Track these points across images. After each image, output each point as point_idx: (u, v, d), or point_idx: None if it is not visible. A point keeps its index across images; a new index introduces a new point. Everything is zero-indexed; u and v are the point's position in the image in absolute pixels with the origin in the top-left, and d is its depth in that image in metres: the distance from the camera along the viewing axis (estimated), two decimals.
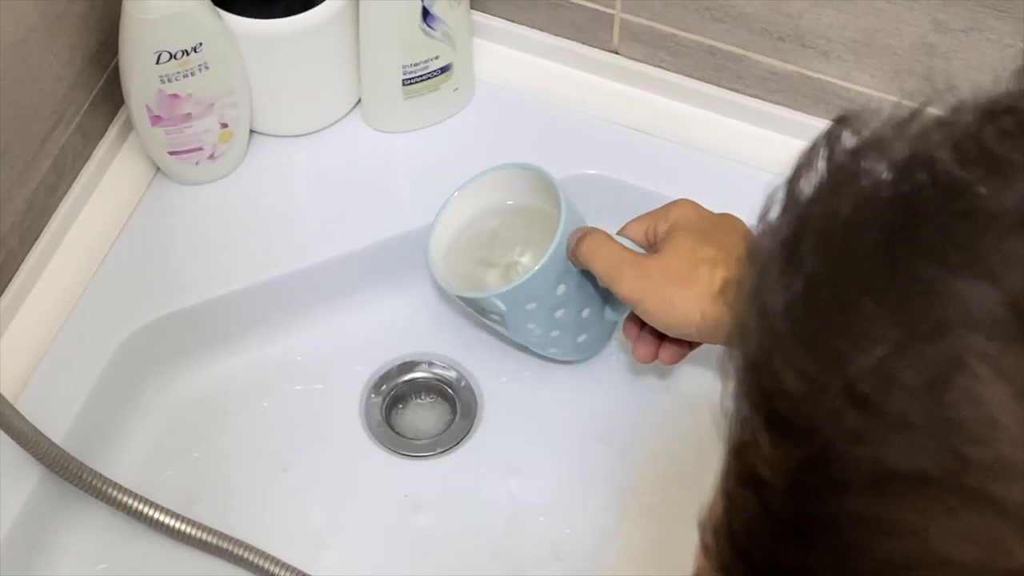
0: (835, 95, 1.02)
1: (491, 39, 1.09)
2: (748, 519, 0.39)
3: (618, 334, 1.00)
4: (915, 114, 0.39)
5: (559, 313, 0.94)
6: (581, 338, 0.97)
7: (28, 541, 0.90)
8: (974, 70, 0.95)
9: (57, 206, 0.99)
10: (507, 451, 0.98)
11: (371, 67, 1.02)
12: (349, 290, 1.02)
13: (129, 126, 1.02)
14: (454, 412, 1.01)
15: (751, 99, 1.05)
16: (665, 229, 0.89)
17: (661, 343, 0.91)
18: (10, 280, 0.96)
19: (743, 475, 0.39)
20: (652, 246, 0.90)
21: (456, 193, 0.98)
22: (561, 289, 0.92)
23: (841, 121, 0.41)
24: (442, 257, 0.97)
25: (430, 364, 1.01)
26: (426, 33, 1.00)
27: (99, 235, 1.00)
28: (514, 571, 0.94)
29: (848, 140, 0.40)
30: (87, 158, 1.01)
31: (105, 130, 1.02)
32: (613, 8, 1.04)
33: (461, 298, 0.96)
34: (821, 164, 0.40)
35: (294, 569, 0.92)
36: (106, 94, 1.01)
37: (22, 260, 0.97)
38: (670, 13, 1.02)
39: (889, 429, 0.35)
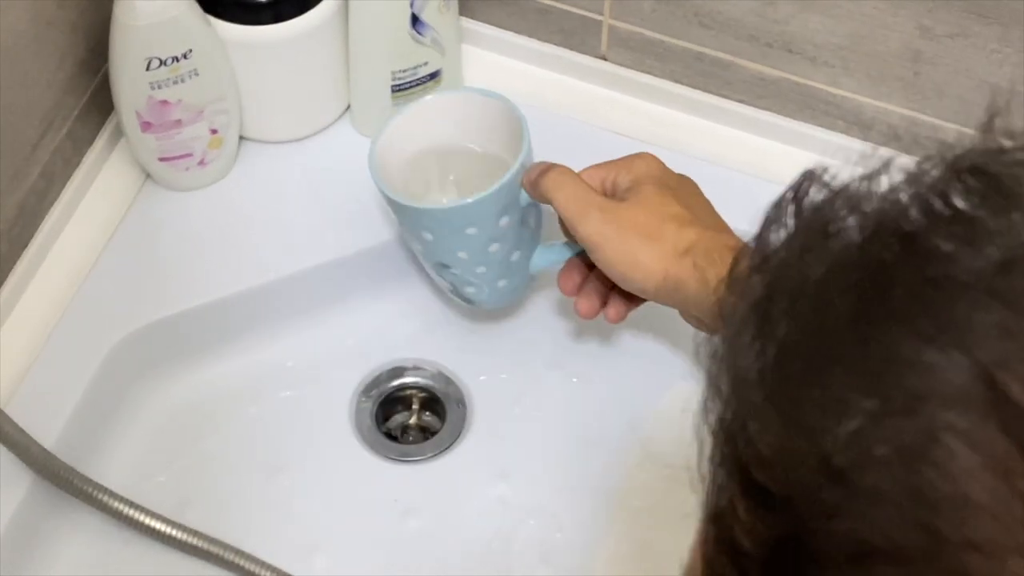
0: (822, 100, 1.02)
1: (480, 45, 1.09)
2: None
3: (599, 325, 0.99)
4: (883, 167, 0.39)
5: (493, 247, 0.90)
6: (501, 283, 0.93)
7: (19, 547, 0.90)
8: (960, 75, 0.96)
9: (47, 212, 0.99)
10: (497, 455, 0.99)
11: (360, 73, 1.03)
12: (339, 295, 1.03)
13: (119, 132, 1.02)
14: (444, 417, 1.01)
15: (738, 104, 1.05)
16: (628, 181, 0.85)
17: (608, 297, 0.88)
18: (0, 286, 0.96)
19: (721, 542, 0.39)
20: (612, 197, 0.86)
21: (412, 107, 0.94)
22: (504, 221, 0.88)
23: (808, 175, 0.40)
24: (382, 165, 0.92)
25: (420, 369, 1.02)
26: (415, 39, 1.00)
27: (89, 241, 1.00)
28: (504, 573, 0.94)
29: (816, 195, 0.40)
30: (77, 164, 1.01)
31: (95, 136, 1.02)
32: (601, 14, 1.04)
33: (400, 205, 0.91)
34: (790, 220, 0.40)
35: (285, 574, 0.92)
36: (96, 100, 1.01)
37: (12, 266, 0.97)
38: (658, 19, 1.03)
39: (864, 504, 0.35)
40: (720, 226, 0.85)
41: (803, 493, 0.36)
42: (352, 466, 0.98)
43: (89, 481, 0.90)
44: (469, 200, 0.88)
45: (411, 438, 1.01)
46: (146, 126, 0.98)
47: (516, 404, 1.00)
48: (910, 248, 0.36)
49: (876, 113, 1.01)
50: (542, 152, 1.04)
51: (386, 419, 1.02)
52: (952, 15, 0.93)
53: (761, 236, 0.40)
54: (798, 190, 0.40)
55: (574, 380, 1.01)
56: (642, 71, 1.07)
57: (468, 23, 1.08)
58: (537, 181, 0.86)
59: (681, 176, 0.88)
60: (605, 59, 1.07)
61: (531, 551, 0.95)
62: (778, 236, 0.40)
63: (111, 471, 0.95)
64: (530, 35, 1.08)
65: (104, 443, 0.96)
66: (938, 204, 0.37)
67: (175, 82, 0.95)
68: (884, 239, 0.37)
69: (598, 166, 0.88)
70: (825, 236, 0.38)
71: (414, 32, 0.99)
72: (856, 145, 1.02)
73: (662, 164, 0.88)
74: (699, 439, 0.40)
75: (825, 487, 0.35)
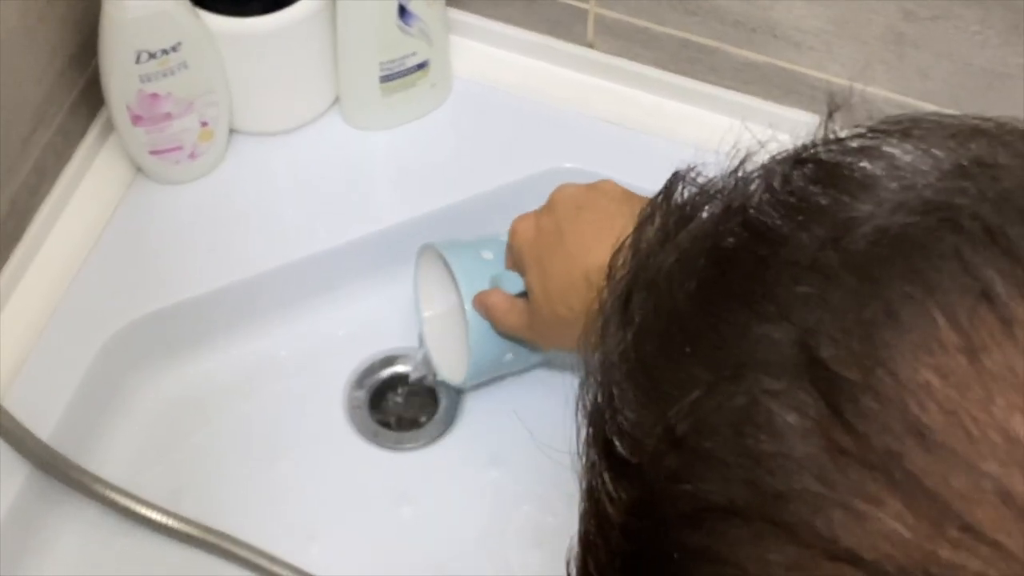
0: (808, 85, 1.03)
1: (467, 35, 1.10)
2: (598, 557, 0.41)
3: None
4: (740, 166, 0.42)
5: (533, 358, 0.96)
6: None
7: (16, 538, 0.91)
8: (944, 58, 0.97)
9: (39, 207, 0.99)
10: (490, 442, 0.99)
11: (349, 64, 1.03)
12: (330, 286, 1.03)
13: (110, 126, 1.02)
14: (437, 404, 1.01)
15: (725, 90, 1.06)
16: (520, 265, 0.90)
17: None
18: None
19: (593, 514, 0.41)
20: None
21: (425, 314, 1.00)
22: (509, 356, 0.95)
23: (676, 175, 0.43)
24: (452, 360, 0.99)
25: (412, 357, 1.02)
26: (403, 30, 1.01)
27: (81, 235, 1.00)
28: (498, 558, 0.95)
29: (681, 194, 0.43)
30: (68, 158, 1.02)
31: (86, 130, 1.03)
32: (587, 3, 1.05)
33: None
34: (657, 218, 0.43)
35: (281, 562, 0.93)
36: (87, 95, 1.01)
37: (5, 261, 0.97)
38: (644, 7, 1.03)
39: (701, 466, 0.37)
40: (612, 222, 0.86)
41: (651, 460, 0.38)
42: (346, 455, 0.99)
43: (85, 472, 0.91)
44: (471, 366, 0.95)
45: (404, 426, 1.02)
46: (136, 119, 0.98)
47: (508, 389, 1.01)
48: (749, 231, 0.39)
49: (861, 96, 1.01)
50: (533, 141, 1.05)
51: (379, 408, 1.02)
52: None
53: (635, 234, 0.43)
54: (668, 189, 0.43)
55: (567, 364, 1.02)
56: (629, 58, 1.07)
57: (455, 13, 1.09)
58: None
59: (548, 215, 0.89)
60: (592, 47, 1.08)
61: (525, 535, 0.96)
62: (648, 234, 0.43)
63: (107, 462, 0.95)
64: (517, 24, 1.09)
65: (100, 435, 0.97)
66: (779, 191, 0.39)
67: (165, 75, 0.96)
68: (728, 225, 0.40)
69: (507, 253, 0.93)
70: (680, 227, 0.41)
71: (401, 23, 1.00)
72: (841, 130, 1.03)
73: (525, 224, 0.90)
74: (577, 424, 0.43)
75: (669, 453, 0.37)
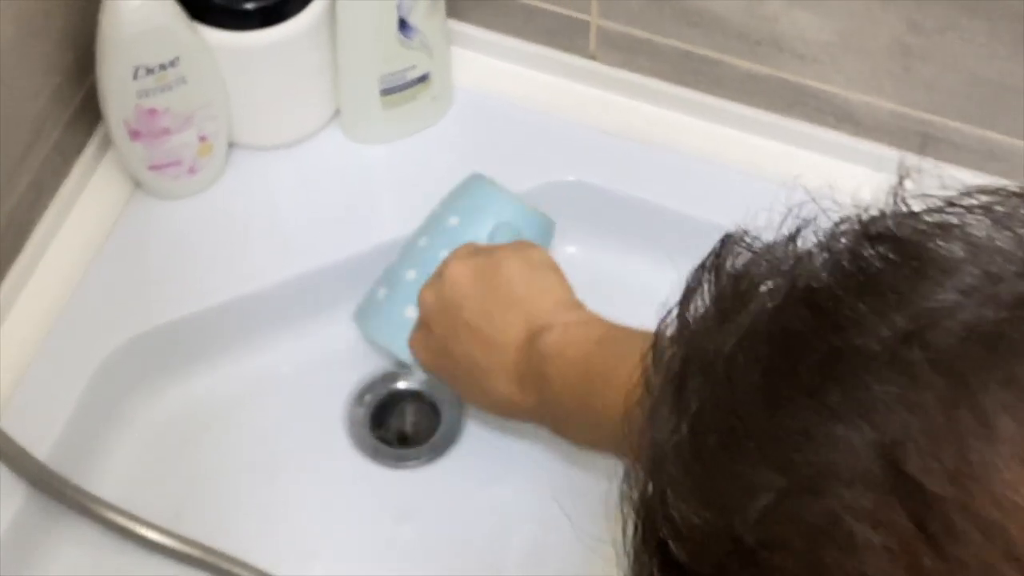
0: (812, 97, 1.02)
1: (468, 47, 1.09)
2: None
3: None
4: (798, 232, 0.38)
5: None
6: None
7: (15, 559, 0.90)
8: (950, 70, 0.96)
9: (37, 223, 0.99)
10: (492, 460, 0.98)
11: (349, 77, 1.03)
12: (331, 301, 1.02)
13: (108, 142, 1.02)
14: (439, 422, 1.01)
15: (729, 103, 1.05)
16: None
17: None
18: None
19: None
20: None
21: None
22: None
23: (727, 241, 0.40)
24: None
25: (414, 374, 1.01)
26: (403, 43, 1.00)
27: (79, 251, 1.00)
28: None
29: (735, 260, 0.39)
30: (66, 174, 1.01)
31: (84, 146, 1.02)
32: (588, 14, 1.04)
33: None
34: (709, 288, 0.39)
35: None
36: (84, 110, 1.00)
37: (2, 278, 0.96)
38: (646, 18, 1.02)
39: None
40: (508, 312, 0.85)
41: (716, 572, 0.35)
42: (347, 472, 0.98)
43: (84, 492, 0.90)
44: None
45: (406, 443, 1.01)
46: (134, 135, 0.97)
47: None
48: (819, 316, 0.36)
49: (866, 109, 1.01)
50: (535, 154, 1.05)
51: (381, 425, 1.01)
52: (941, 10, 0.93)
53: (683, 304, 0.40)
54: (718, 255, 0.40)
55: None
56: (631, 70, 1.07)
57: (456, 25, 1.08)
58: None
59: (432, 331, 0.89)
60: (594, 59, 1.07)
61: (526, 554, 0.95)
62: (698, 304, 0.39)
63: (106, 482, 0.94)
64: (518, 36, 1.08)
65: (98, 454, 0.96)
66: (849, 270, 0.36)
67: (163, 90, 0.95)
68: (794, 307, 0.37)
69: None
70: (739, 305, 0.38)
71: (402, 35, 0.99)
72: (846, 141, 1.02)
73: (421, 348, 0.91)
74: (623, 515, 0.39)
75: (736, 566, 0.35)
